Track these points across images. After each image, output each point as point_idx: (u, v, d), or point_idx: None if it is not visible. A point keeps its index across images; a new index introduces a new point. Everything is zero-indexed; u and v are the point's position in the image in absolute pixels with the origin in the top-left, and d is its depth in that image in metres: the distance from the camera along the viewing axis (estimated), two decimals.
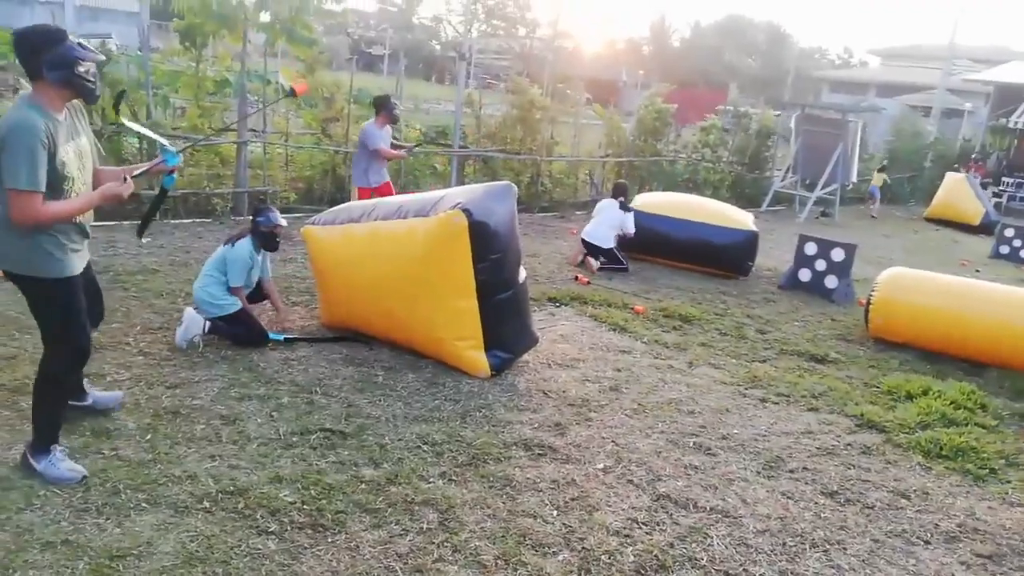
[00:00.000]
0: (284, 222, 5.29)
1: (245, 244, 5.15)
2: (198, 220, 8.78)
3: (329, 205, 9.81)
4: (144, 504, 3.22)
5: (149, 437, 3.78)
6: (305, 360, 4.98)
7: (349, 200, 7.63)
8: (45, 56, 2.99)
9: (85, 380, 3.90)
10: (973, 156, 20.78)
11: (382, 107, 7.86)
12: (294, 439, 3.94)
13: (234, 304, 5.10)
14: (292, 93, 4.60)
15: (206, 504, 3.27)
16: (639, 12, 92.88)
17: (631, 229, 8.66)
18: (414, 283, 5.00)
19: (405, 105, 14.08)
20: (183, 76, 9.50)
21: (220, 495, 3.34)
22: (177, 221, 8.61)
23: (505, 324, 5.10)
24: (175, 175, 3.72)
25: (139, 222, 4.07)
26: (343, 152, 10.13)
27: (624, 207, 8.70)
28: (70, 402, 3.61)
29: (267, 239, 5.26)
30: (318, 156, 10.26)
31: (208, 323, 5.01)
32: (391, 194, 7.93)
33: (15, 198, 2.95)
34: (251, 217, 5.36)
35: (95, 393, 3.94)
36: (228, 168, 9.47)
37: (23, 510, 3.09)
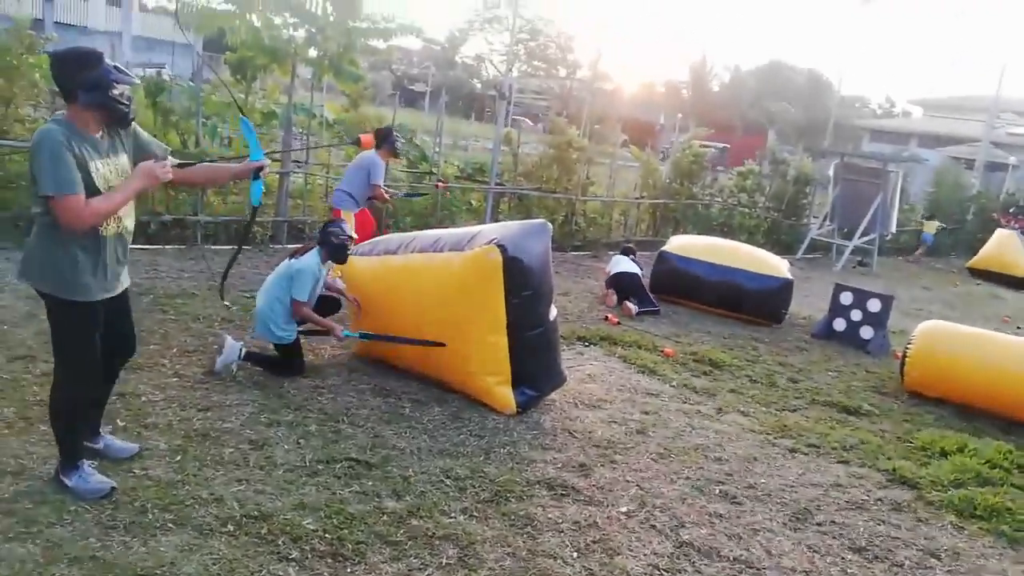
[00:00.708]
0: (355, 235, 5.40)
1: (311, 257, 5.18)
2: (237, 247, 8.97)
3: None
4: (170, 524, 3.27)
5: (179, 458, 3.85)
6: (334, 389, 5.04)
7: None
8: (80, 78, 3.05)
9: (106, 426, 3.86)
10: (1012, 210, 20.41)
11: (384, 140, 7.50)
12: (319, 467, 3.97)
13: (291, 335, 5.13)
14: (357, 142, 4.78)
15: (230, 528, 3.32)
16: (680, 55, 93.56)
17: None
18: (446, 316, 5.06)
19: (444, 141, 14.31)
20: (220, 106, 9.81)
21: (244, 519, 3.39)
22: (218, 247, 8.81)
23: (534, 361, 5.12)
24: (262, 184, 3.75)
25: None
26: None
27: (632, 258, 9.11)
28: (84, 442, 3.56)
29: (339, 251, 5.27)
30: None
31: (244, 350, 5.08)
32: (370, 222, 8.23)
33: (55, 205, 3.00)
34: (322, 228, 5.36)
35: (108, 439, 3.80)
36: (269, 197, 9.69)
37: (54, 524, 3.16)
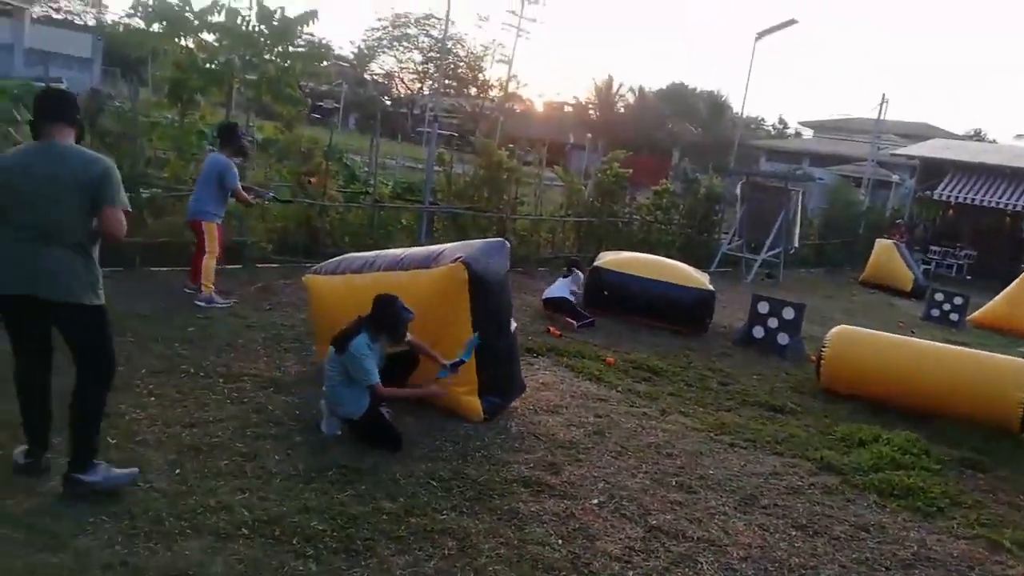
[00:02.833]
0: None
1: (360, 341, 4.69)
2: (176, 268, 8.92)
3: (303, 255, 10.16)
4: (188, 531, 3.46)
5: (179, 471, 4.01)
6: (310, 403, 5.23)
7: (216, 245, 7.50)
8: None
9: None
10: (897, 221, 22.08)
11: (231, 137, 7.31)
12: (313, 474, 4.20)
13: (360, 408, 4.73)
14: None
15: (244, 531, 3.53)
16: (586, 75, 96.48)
17: (579, 289, 9.48)
18: (414, 331, 5.34)
19: (358, 158, 14.40)
20: (160, 127, 9.79)
21: (256, 523, 3.60)
22: (155, 268, 8.74)
23: (498, 371, 5.48)
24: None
25: None
26: (318, 205, 10.47)
27: (572, 271, 9.58)
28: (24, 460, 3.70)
29: (397, 326, 4.86)
30: (294, 209, 10.56)
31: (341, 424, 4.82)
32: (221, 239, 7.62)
33: (123, 219, 3.61)
34: (377, 303, 4.85)
35: (107, 470, 3.70)
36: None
37: (77, 535, 3.29)
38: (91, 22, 55.55)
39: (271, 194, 9.10)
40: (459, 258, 5.27)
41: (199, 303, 7.31)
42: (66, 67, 29.06)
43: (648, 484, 4.77)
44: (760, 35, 22.42)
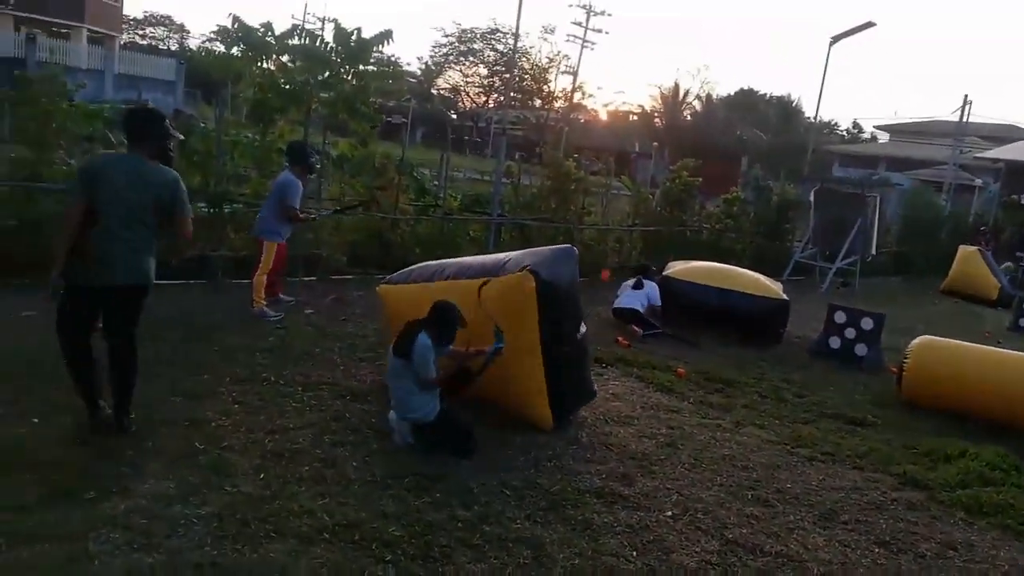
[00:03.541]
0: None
1: (422, 339, 4.75)
2: None
3: (376, 268, 10.40)
4: (272, 534, 3.59)
5: (263, 476, 4.16)
6: (384, 412, 5.34)
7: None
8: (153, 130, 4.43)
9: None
10: (980, 227, 21.01)
11: (300, 155, 7.56)
12: (390, 481, 4.30)
13: (431, 412, 4.78)
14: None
15: (326, 535, 3.64)
16: (653, 83, 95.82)
17: (657, 301, 9.19)
18: (485, 338, 5.40)
19: (429, 172, 14.64)
20: (241, 145, 10.18)
21: (337, 528, 3.71)
22: (237, 281, 9.07)
23: (567, 376, 5.51)
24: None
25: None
26: (389, 218, 10.71)
27: (642, 282, 9.28)
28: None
29: (451, 331, 4.92)
30: (367, 222, 10.82)
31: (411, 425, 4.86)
32: (284, 256, 7.99)
33: (189, 223, 4.54)
34: (434, 307, 4.93)
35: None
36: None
37: (169, 536, 3.46)
38: (174, 47, 58.27)
39: (327, 212, 9.53)
40: (527, 267, 5.31)
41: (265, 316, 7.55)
42: (151, 90, 30.55)
43: (723, 497, 4.70)
44: (835, 39, 21.85)
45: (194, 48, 52.94)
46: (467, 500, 4.19)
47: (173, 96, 35.76)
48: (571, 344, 5.58)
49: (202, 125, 9.78)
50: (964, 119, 27.12)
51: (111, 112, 10.19)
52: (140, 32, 61.87)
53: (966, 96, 28.09)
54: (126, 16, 51.77)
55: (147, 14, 63.52)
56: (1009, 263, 19.41)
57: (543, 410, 5.39)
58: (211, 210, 9.24)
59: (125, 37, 50.02)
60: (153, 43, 58.46)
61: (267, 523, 3.67)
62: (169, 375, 5.51)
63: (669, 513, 4.39)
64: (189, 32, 65.45)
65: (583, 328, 5.79)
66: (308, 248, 9.97)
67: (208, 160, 9.07)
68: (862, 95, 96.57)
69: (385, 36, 9.43)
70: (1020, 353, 7.49)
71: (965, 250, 17.43)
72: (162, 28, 64.29)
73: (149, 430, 4.53)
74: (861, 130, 61.11)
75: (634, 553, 3.89)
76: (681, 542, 4.07)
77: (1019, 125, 43.64)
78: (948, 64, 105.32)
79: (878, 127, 54.81)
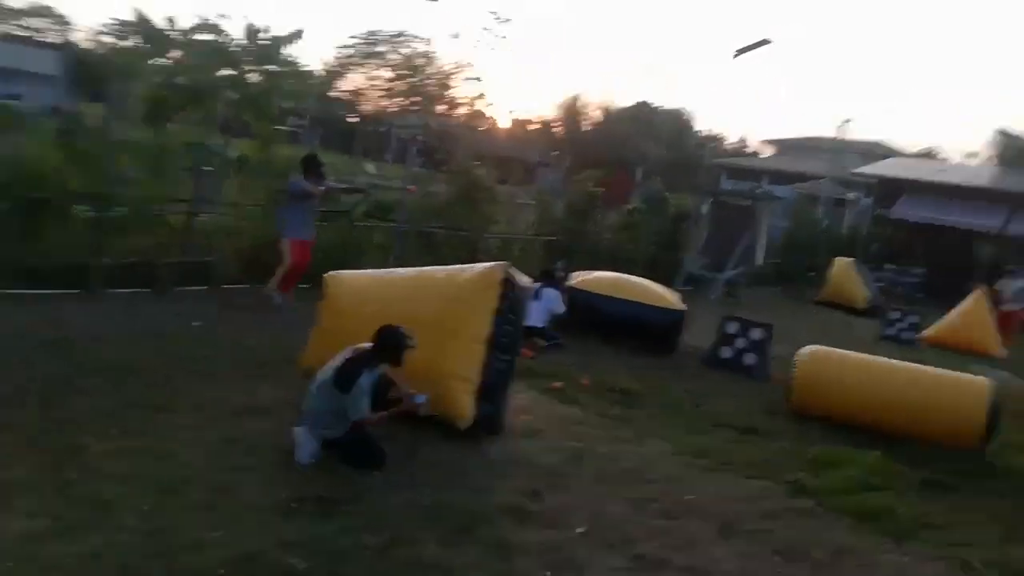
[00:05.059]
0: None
1: (365, 380, 4.65)
2: (142, 290, 8.71)
3: (271, 276, 9.99)
4: (161, 574, 3.34)
5: (147, 508, 3.87)
6: (283, 430, 5.11)
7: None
8: None
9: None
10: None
11: (312, 166, 8.53)
12: (292, 505, 4.11)
13: (340, 429, 4.67)
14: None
15: (221, 572, 3.42)
16: (552, 93, 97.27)
17: (561, 308, 9.24)
18: (436, 317, 5.37)
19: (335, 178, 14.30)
20: (132, 146, 9.59)
21: (233, 561, 3.50)
22: (119, 291, 8.50)
23: (498, 385, 5.55)
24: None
25: None
26: None
27: (540, 292, 9.18)
28: None
29: (397, 353, 4.82)
30: (265, 228, 10.40)
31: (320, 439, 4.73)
32: (308, 257, 8.67)
33: None
34: (380, 332, 4.80)
35: None
36: (176, 238, 9.49)
37: None
38: (57, 40, 54.48)
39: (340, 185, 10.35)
40: (500, 264, 5.65)
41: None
42: (30, 84, 28.51)
43: (630, 511, 4.76)
44: (737, 53, 22.69)
45: (78, 41, 49.63)
46: (375, 523, 4.06)
47: (52, 91, 33.45)
48: (510, 356, 5.66)
49: (87, 124, 9.14)
50: (842, 136, 28.91)
51: None
52: (18, 23, 57.44)
53: (846, 117, 29.98)
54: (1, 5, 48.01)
55: (27, 4, 59.12)
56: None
57: (466, 399, 5.31)
58: (94, 214, 8.64)
59: (0, 27, 46.32)
60: (33, 35, 54.41)
61: (154, 561, 3.42)
62: (40, 397, 5.08)
63: (579, 530, 4.39)
64: (71, 24, 61.29)
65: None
66: (199, 255, 9.49)
67: (93, 161, 8.46)
68: (750, 109, 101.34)
69: (295, 36, 9.14)
70: (901, 362, 7.98)
71: (840, 262, 18.49)
72: (43, 19, 59.92)
73: (17, 459, 4.15)
74: (746, 144, 64.12)
75: (548, 573, 3.87)
76: (591, 560, 4.08)
77: (887, 143, 46.85)
78: (826, 81, 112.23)
79: (765, 141, 57.66)
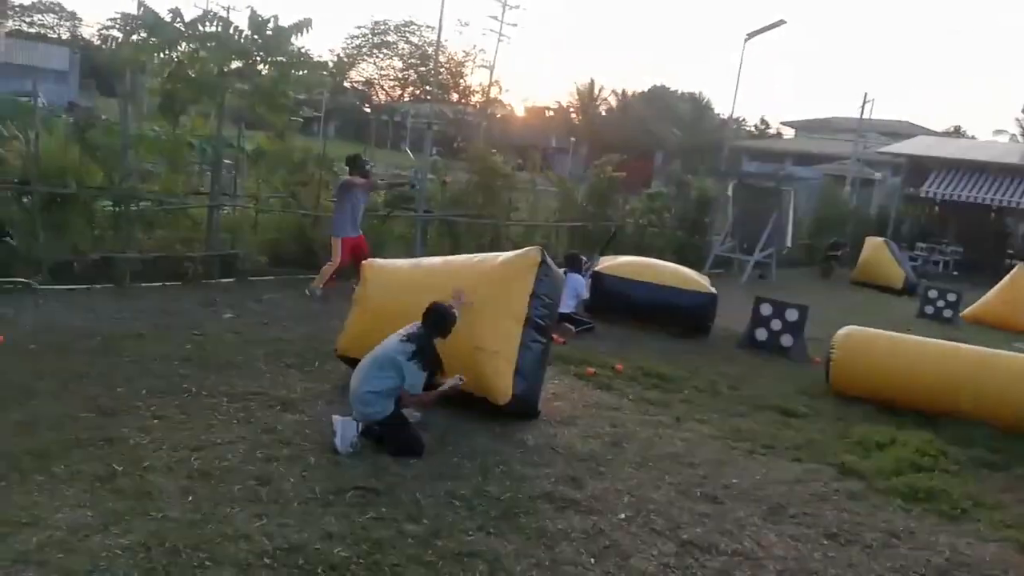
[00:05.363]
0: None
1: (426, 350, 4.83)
2: (169, 283, 8.71)
3: (298, 268, 9.98)
4: (207, 563, 3.29)
5: (191, 499, 3.83)
6: (319, 421, 5.06)
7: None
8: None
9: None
10: (834, 240, 19.11)
11: (357, 164, 8.78)
12: (331, 497, 4.04)
13: (386, 410, 4.73)
14: None
15: (267, 561, 3.37)
16: (568, 80, 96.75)
17: (585, 293, 9.16)
18: (475, 297, 5.34)
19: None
20: (148, 140, 9.59)
21: (278, 552, 3.44)
22: (147, 284, 8.52)
23: (532, 367, 5.50)
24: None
25: None
26: (311, 216, 10.29)
27: (574, 271, 9.16)
28: None
29: (446, 325, 4.94)
30: (287, 219, 10.37)
31: (361, 425, 4.71)
32: (366, 250, 8.60)
33: None
34: (434, 316, 4.92)
35: None
36: (200, 231, 9.49)
37: (91, 572, 3.12)
38: (65, 35, 54.96)
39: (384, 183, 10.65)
40: (536, 247, 5.71)
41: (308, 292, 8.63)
42: (43, 81, 28.71)
43: (674, 496, 4.64)
44: (750, 36, 22.42)
45: (87, 37, 50.00)
46: (415, 513, 3.98)
47: (67, 87, 33.70)
48: (544, 339, 5.67)
49: (104, 117, 9.12)
50: (864, 116, 28.37)
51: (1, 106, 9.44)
52: (28, 20, 58.00)
53: (866, 94, 29.35)
54: (11, 2, 48.49)
55: (35, 0, 59.67)
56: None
57: (506, 379, 5.30)
58: (116, 208, 8.65)
59: (10, 24, 46.81)
60: (42, 31, 54.84)
61: (200, 551, 3.36)
62: (79, 390, 5.09)
63: (622, 516, 4.29)
64: (81, 20, 61.65)
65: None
66: (224, 248, 9.48)
67: (112, 155, 8.45)
68: (769, 93, 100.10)
69: (304, 25, 9.02)
70: (939, 341, 7.78)
71: (871, 241, 18.17)
72: (52, 15, 60.45)
73: (61, 452, 4.13)
74: (768, 126, 63.32)
75: (592, 560, 3.77)
76: (637, 545, 3.97)
77: (915, 122, 46.01)
78: (848, 62, 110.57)
79: (784, 123, 56.94)
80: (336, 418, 4.73)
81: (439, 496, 4.22)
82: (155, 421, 4.76)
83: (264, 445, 4.59)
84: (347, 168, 8.98)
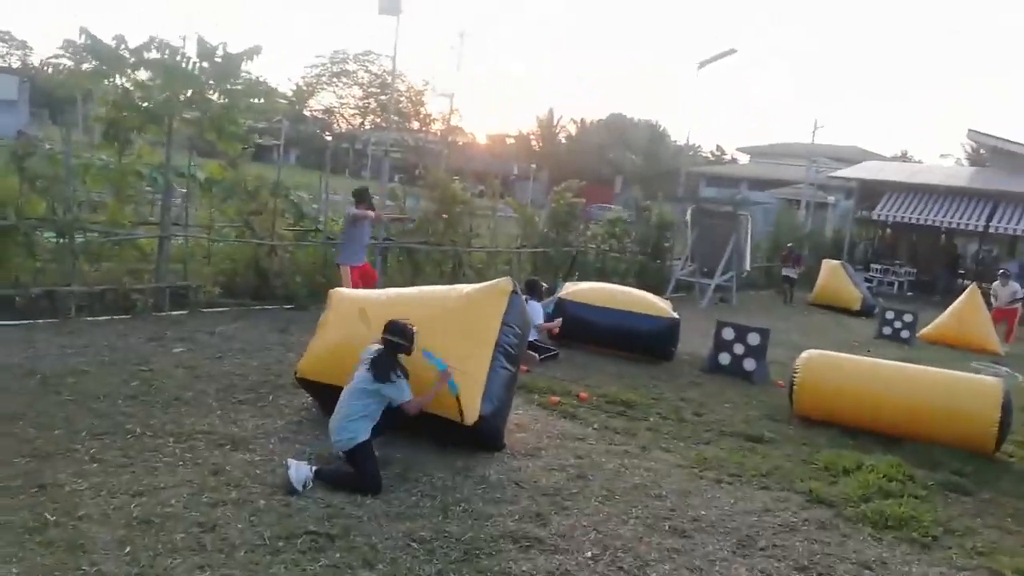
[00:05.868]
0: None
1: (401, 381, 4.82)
2: (117, 317, 8.37)
3: (253, 298, 9.69)
4: None
5: (128, 550, 3.56)
6: (270, 460, 4.83)
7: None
8: None
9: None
10: (788, 245, 19.21)
11: (364, 197, 9.22)
12: (280, 543, 3.81)
13: (358, 435, 4.63)
14: None
15: None
16: (527, 107, 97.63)
17: (539, 320, 8.98)
18: (445, 321, 5.35)
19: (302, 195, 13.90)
20: (94, 168, 9.29)
21: None
22: (93, 318, 8.17)
23: (501, 395, 5.39)
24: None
25: None
26: (267, 245, 10.03)
27: (533, 298, 8.97)
28: None
29: (409, 343, 4.91)
30: (241, 249, 10.09)
31: (314, 468, 4.55)
32: (374, 276, 9.44)
33: None
34: (395, 334, 4.88)
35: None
36: (149, 263, 9.17)
37: None
38: (15, 64, 53.82)
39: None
40: (508, 279, 5.78)
41: None
42: None
43: (641, 530, 4.49)
44: (702, 64, 22.82)
45: (37, 65, 49.02)
46: (371, 558, 3.76)
47: (15, 116, 32.87)
48: (513, 367, 5.59)
49: (47, 147, 8.79)
50: (814, 141, 29.01)
51: None
52: None
53: (816, 121, 30.13)
54: None
55: None
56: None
57: (474, 401, 5.15)
58: (60, 240, 8.31)
59: None
60: None
61: None
62: (13, 432, 4.79)
63: (588, 554, 4.12)
64: (32, 49, 60.57)
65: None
66: (176, 279, 9.16)
67: (56, 185, 8.12)
68: (722, 119, 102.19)
69: (254, 51, 8.83)
70: (900, 364, 7.80)
71: (829, 264, 18.44)
72: (1, 44, 59.25)
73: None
74: (723, 152, 64.50)
75: None
76: None
77: (864, 147, 47.26)
78: (797, 90, 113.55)
79: (739, 149, 58.02)
80: (290, 461, 4.52)
81: (396, 538, 4.01)
82: (94, 465, 4.48)
83: (211, 488, 4.34)
84: (354, 200, 9.40)
